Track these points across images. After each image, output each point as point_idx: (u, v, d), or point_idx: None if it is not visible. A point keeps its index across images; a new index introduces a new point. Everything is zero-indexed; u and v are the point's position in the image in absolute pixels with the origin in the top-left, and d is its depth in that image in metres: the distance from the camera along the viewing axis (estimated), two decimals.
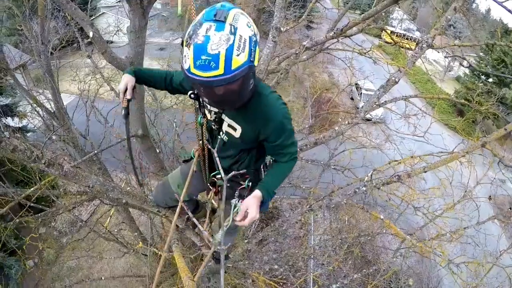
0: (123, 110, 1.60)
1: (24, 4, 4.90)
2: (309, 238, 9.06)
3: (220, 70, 1.15)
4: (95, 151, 4.71)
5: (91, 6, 6.46)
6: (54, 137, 5.05)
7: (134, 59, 3.29)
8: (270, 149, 1.59)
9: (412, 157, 3.67)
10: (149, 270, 4.25)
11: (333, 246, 6.05)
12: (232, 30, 1.14)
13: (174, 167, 5.66)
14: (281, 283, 5.17)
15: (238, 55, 1.16)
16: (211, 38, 1.12)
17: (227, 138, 1.61)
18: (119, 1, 19.42)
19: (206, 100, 1.37)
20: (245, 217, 1.44)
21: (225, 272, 4.34)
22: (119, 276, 7.02)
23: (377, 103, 3.28)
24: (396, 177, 3.28)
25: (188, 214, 1.94)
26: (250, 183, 1.73)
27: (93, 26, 2.76)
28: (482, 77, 18.53)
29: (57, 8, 5.82)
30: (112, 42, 9.44)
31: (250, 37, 1.20)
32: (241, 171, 1.51)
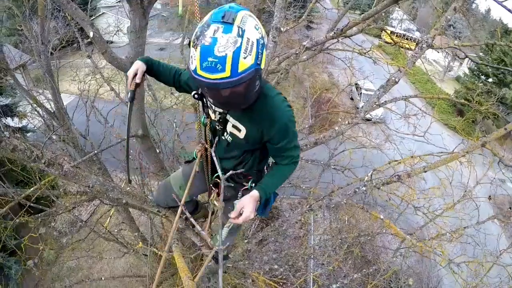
0: (129, 93, 1.60)
1: (24, 4, 4.90)
2: (309, 238, 9.06)
3: (227, 73, 1.14)
4: (95, 151, 4.71)
5: (91, 6, 6.45)
6: (54, 137, 5.05)
7: (134, 59, 3.27)
8: (272, 150, 1.59)
9: (412, 157, 3.67)
10: (149, 270, 4.25)
11: (333, 246, 6.06)
12: (240, 33, 1.14)
13: (174, 167, 5.67)
14: (281, 283, 5.17)
15: (245, 57, 1.15)
16: (218, 40, 1.12)
17: (231, 139, 1.60)
18: (119, 1, 19.42)
19: (212, 101, 1.37)
20: (239, 215, 1.45)
21: (225, 272, 4.34)
22: (119, 276, 7.02)
23: (377, 103, 3.28)
24: (396, 177, 3.29)
25: (189, 215, 1.94)
26: (253, 184, 1.73)
27: (93, 26, 2.77)
28: (482, 77, 18.55)
29: (57, 8, 5.82)
30: (112, 42, 9.43)
31: (257, 40, 1.19)
32: (238, 171, 1.52)
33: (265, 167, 1.82)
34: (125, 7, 3.47)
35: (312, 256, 6.43)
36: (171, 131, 6.36)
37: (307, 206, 3.55)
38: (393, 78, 3.10)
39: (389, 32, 5.66)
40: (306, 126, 6.59)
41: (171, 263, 4.59)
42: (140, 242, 4.97)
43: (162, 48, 17.45)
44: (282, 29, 3.56)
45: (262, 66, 1.26)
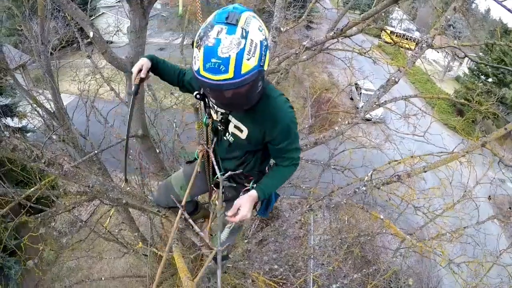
0: (133, 86, 1.61)
1: (24, 4, 4.89)
2: (309, 238, 9.06)
3: (230, 74, 1.14)
4: (95, 152, 4.70)
5: (91, 6, 6.45)
6: (54, 137, 5.05)
7: (135, 59, 3.29)
8: (273, 151, 1.59)
9: (412, 157, 3.68)
10: (149, 270, 4.25)
11: (333, 246, 6.05)
12: (244, 34, 1.13)
13: (174, 167, 5.67)
14: (281, 283, 5.18)
15: (248, 59, 1.15)
16: (222, 41, 1.11)
17: (233, 139, 1.60)
18: (118, 1, 19.42)
19: (214, 101, 1.37)
20: (236, 214, 1.46)
21: (225, 272, 4.34)
22: (119, 277, 7.02)
23: (377, 103, 3.29)
24: (396, 177, 3.29)
25: (188, 216, 1.94)
26: (255, 185, 1.73)
27: (93, 26, 2.77)
28: (482, 77, 18.56)
29: (57, 8, 5.82)
30: (112, 42, 9.44)
31: (261, 42, 1.19)
32: (237, 172, 1.52)
33: (266, 168, 1.82)
34: (125, 7, 3.47)
35: (312, 256, 6.43)
36: (171, 131, 6.37)
37: (307, 206, 3.55)
38: (393, 78, 3.10)
39: (389, 32, 5.66)
40: (306, 126, 6.60)
41: (171, 263, 4.60)
42: (140, 242, 4.97)
43: (162, 48, 17.43)
44: (282, 29, 3.57)
45: (265, 68, 1.26)
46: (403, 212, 4.47)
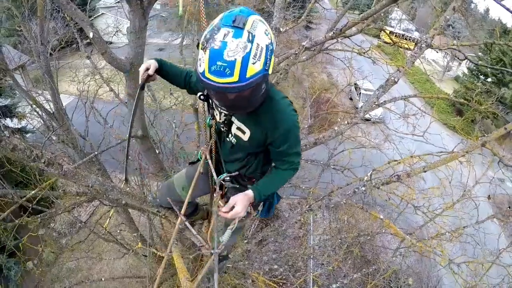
0: (140, 81, 1.66)
1: (23, 4, 4.90)
2: (309, 238, 9.06)
3: (235, 78, 1.14)
4: (95, 153, 4.70)
5: (90, 6, 6.45)
6: (53, 137, 5.04)
7: (134, 60, 3.29)
8: (273, 154, 1.60)
9: (411, 156, 3.68)
10: (149, 271, 4.25)
11: (332, 246, 6.06)
12: (250, 38, 1.13)
13: (174, 168, 5.67)
14: (281, 283, 5.18)
15: (254, 63, 1.15)
16: (228, 45, 1.11)
17: (235, 141, 1.60)
18: (118, 2, 19.42)
19: (217, 103, 1.38)
20: (230, 210, 1.46)
21: (225, 273, 4.35)
22: (119, 277, 7.01)
23: (376, 103, 3.29)
24: (396, 176, 3.30)
25: (187, 216, 1.94)
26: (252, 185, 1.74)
27: (93, 27, 2.76)
28: (481, 77, 18.58)
29: (56, 9, 5.81)
30: (111, 42, 9.43)
31: (267, 46, 1.19)
32: (235, 173, 1.52)
33: (269, 170, 1.82)
34: (125, 7, 3.47)
35: (311, 256, 6.43)
36: (171, 131, 6.38)
37: (307, 206, 3.56)
38: (392, 78, 3.11)
39: (388, 32, 5.65)
40: (306, 126, 6.61)
41: (171, 263, 4.60)
42: (140, 243, 4.97)
43: (161, 49, 17.45)
44: (281, 29, 3.57)
45: (270, 72, 1.26)
46: (403, 211, 4.47)
